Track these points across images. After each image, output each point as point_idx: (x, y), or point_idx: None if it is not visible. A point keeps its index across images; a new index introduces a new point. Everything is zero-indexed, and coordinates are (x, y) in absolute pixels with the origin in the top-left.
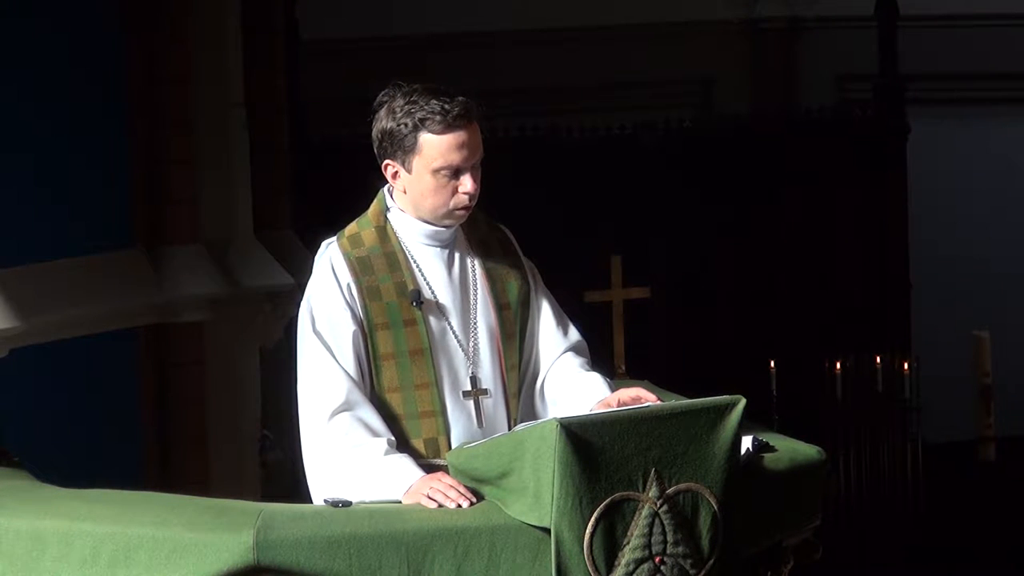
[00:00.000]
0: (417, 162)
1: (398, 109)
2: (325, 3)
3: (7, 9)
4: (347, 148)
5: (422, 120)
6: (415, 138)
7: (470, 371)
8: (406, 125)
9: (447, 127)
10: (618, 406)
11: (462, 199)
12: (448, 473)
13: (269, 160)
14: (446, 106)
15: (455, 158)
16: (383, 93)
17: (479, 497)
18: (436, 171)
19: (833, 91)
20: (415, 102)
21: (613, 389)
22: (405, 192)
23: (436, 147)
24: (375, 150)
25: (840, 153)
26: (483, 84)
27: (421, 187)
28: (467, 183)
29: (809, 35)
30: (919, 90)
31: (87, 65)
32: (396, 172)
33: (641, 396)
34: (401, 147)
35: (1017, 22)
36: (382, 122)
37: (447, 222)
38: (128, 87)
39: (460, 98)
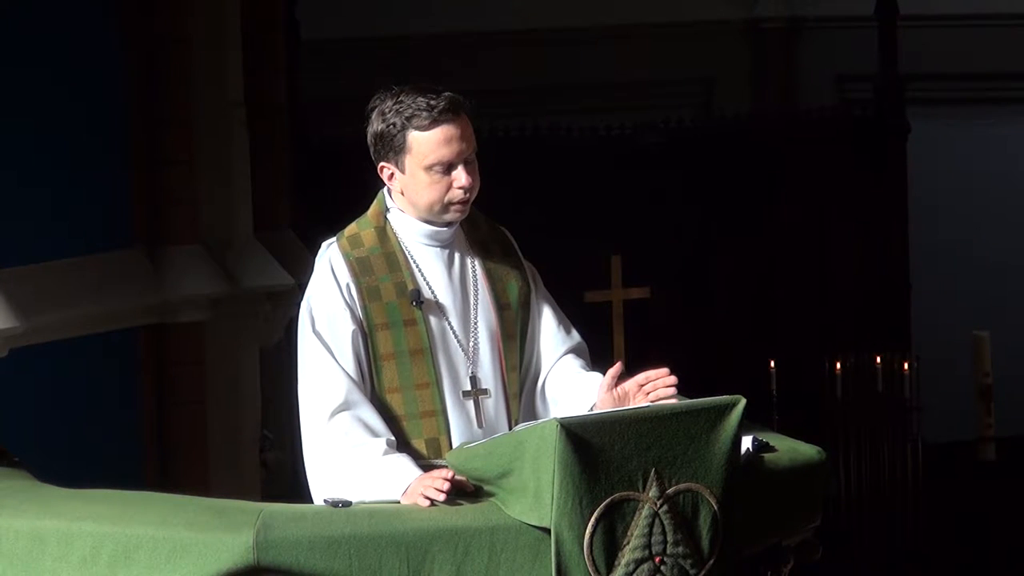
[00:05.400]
0: (409, 160)
1: (387, 110)
2: (325, 3)
3: (6, 9)
4: (347, 148)
5: (409, 118)
6: (404, 137)
7: (470, 371)
8: (395, 125)
9: (434, 122)
10: (618, 395)
11: (457, 193)
12: None
13: (269, 160)
14: (432, 101)
15: (445, 153)
16: (374, 97)
17: (473, 487)
18: (428, 168)
19: (833, 91)
20: (402, 101)
21: None
22: (402, 193)
23: (425, 143)
24: (371, 155)
25: (840, 153)
26: (484, 84)
27: (416, 185)
28: (461, 177)
29: (809, 35)
30: (919, 90)
31: (87, 65)
32: (392, 174)
33: (650, 375)
34: (392, 147)
35: (1017, 22)
36: (374, 125)
37: (446, 218)
38: (128, 87)
39: (447, 93)
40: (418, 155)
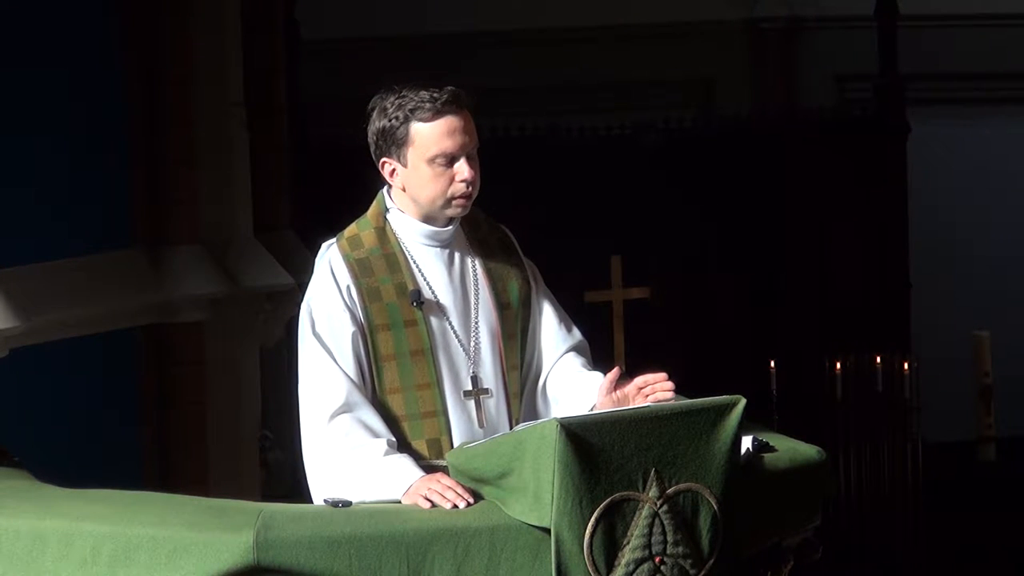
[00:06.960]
0: (411, 153)
1: (389, 106)
2: (325, 3)
3: (7, 9)
4: (347, 148)
5: (412, 111)
6: (407, 129)
7: (471, 371)
8: (397, 119)
9: (436, 113)
10: (617, 398)
11: (460, 187)
12: (448, 474)
13: (269, 160)
14: (435, 94)
15: (448, 144)
16: (376, 96)
17: (478, 497)
18: (431, 160)
19: (833, 91)
20: (404, 96)
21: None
22: (404, 190)
23: (428, 135)
24: (372, 152)
25: (840, 153)
26: (484, 83)
27: (418, 179)
28: (464, 170)
29: (809, 35)
30: (919, 90)
31: (87, 65)
32: (393, 169)
33: (648, 379)
34: (395, 141)
35: (1017, 22)
36: (375, 122)
37: (448, 213)
38: (128, 87)
39: (449, 87)
40: (421, 147)
